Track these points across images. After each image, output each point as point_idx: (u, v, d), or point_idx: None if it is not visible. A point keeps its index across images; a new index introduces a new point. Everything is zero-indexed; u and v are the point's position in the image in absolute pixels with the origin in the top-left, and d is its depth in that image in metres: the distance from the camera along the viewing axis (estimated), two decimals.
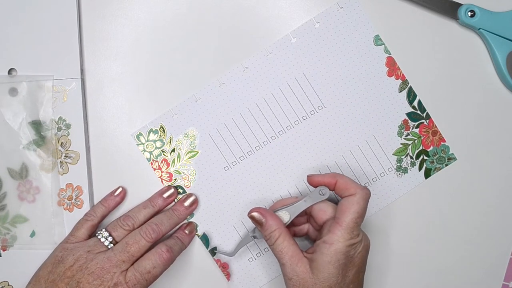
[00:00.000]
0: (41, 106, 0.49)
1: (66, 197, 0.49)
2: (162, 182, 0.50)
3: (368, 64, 0.50)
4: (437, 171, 0.50)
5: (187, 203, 0.49)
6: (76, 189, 0.49)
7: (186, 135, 0.50)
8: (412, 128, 0.50)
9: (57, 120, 0.49)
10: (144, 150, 0.50)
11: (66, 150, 0.49)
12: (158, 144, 0.50)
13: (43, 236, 0.49)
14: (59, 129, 0.49)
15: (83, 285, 0.44)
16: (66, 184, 0.49)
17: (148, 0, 0.50)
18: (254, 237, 0.46)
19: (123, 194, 0.49)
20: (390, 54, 0.50)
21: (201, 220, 0.50)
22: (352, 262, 0.42)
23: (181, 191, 0.50)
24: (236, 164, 0.50)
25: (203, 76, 0.50)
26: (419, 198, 0.50)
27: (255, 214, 0.45)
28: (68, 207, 0.49)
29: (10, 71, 0.49)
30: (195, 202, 0.49)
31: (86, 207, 0.49)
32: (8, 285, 0.50)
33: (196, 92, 0.50)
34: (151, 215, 0.48)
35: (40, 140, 0.49)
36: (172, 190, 0.49)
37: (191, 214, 0.50)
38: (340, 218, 0.43)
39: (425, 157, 0.50)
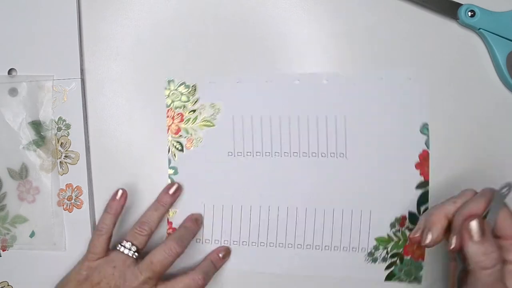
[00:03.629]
0: (41, 106, 0.49)
1: (66, 197, 0.49)
2: (168, 131, 0.50)
3: (403, 145, 0.49)
4: (398, 281, 0.49)
5: (171, 191, 0.49)
6: (76, 189, 0.49)
7: (212, 105, 0.49)
8: (405, 229, 0.49)
9: (57, 120, 0.49)
10: (168, 96, 0.49)
11: (66, 150, 0.49)
12: (184, 98, 0.49)
13: (43, 237, 0.49)
14: (59, 129, 0.49)
15: None
16: (66, 184, 0.49)
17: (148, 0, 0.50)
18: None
19: (125, 195, 0.48)
20: (429, 148, 0.49)
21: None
22: None
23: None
24: (240, 156, 0.49)
25: (203, 76, 0.50)
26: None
27: (475, 224, 0.36)
28: (68, 207, 0.49)
29: (10, 71, 0.49)
30: (179, 189, 0.49)
31: (85, 208, 0.49)
32: (8, 285, 0.50)
33: (241, 75, 0.49)
34: (163, 215, 0.48)
35: (40, 140, 0.49)
36: (176, 185, 0.49)
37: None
38: None
39: (398, 262, 0.49)
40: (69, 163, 0.49)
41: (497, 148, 0.50)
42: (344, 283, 0.50)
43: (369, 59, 0.50)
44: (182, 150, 0.50)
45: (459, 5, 0.49)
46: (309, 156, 0.49)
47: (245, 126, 0.49)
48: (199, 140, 0.50)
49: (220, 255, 0.49)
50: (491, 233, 0.36)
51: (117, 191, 0.48)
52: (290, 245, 0.50)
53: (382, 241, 0.49)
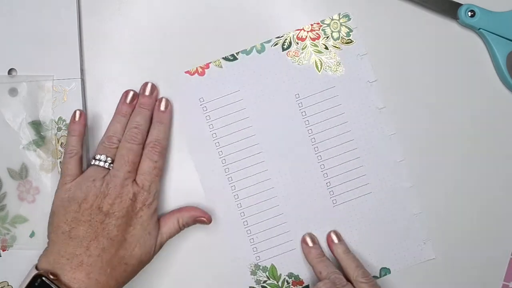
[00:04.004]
0: (41, 106, 0.49)
1: None
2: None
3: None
4: None
5: (147, 92, 0.49)
6: None
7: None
8: None
9: (57, 120, 0.49)
10: None
11: None
12: None
13: (43, 237, 0.49)
14: (59, 129, 0.49)
15: (105, 208, 0.44)
16: None
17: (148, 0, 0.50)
18: None
19: (84, 115, 0.48)
20: None
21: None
22: None
23: None
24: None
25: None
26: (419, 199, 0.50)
27: None
28: None
29: (10, 71, 0.49)
30: (154, 88, 0.49)
31: None
32: (8, 285, 0.50)
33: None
34: (126, 124, 0.48)
35: (40, 140, 0.49)
36: (132, 93, 0.49)
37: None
38: None
39: None
40: None
41: (497, 148, 0.50)
42: None
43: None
44: None
45: (459, 5, 0.49)
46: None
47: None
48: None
49: (162, 108, 0.49)
50: None
51: (74, 113, 0.48)
52: None
53: None
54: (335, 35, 0.50)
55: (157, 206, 0.47)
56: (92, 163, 0.47)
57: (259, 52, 0.50)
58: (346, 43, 0.50)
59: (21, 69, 0.49)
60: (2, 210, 0.49)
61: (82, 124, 0.47)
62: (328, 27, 0.50)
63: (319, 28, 0.50)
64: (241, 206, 0.50)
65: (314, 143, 0.50)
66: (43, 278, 0.42)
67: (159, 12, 0.50)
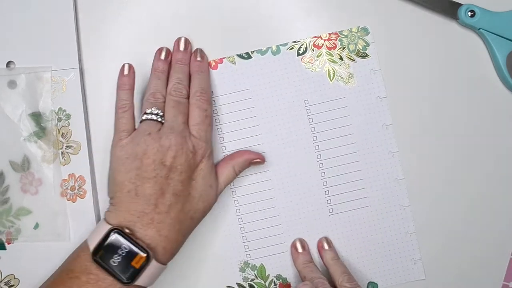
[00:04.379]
0: (40, 98, 0.49)
1: (69, 188, 0.49)
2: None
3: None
4: None
5: (182, 47, 0.49)
6: (78, 179, 0.49)
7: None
8: None
9: (57, 110, 0.49)
10: None
11: (67, 141, 0.49)
12: None
13: (47, 228, 0.49)
14: (59, 119, 0.49)
15: (168, 162, 0.43)
16: (69, 175, 0.49)
17: None
18: None
19: (133, 69, 0.48)
20: None
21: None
22: None
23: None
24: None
25: None
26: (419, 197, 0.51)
27: None
28: (71, 197, 0.49)
29: (8, 64, 0.49)
30: (188, 42, 0.49)
31: (89, 197, 0.49)
32: (15, 278, 0.50)
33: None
34: (167, 80, 0.48)
35: (41, 131, 0.49)
36: (165, 49, 0.48)
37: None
38: None
39: None
40: (71, 153, 0.49)
41: (497, 148, 0.50)
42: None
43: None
44: None
45: (459, 5, 0.49)
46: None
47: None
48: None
49: (198, 59, 0.49)
50: None
51: (123, 67, 0.48)
52: None
53: None
54: (352, 47, 0.50)
55: (213, 155, 0.47)
56: (143, 118, 0.45)
57: (274, 53, 0.50)
58: (361, 56, 0.50)
59: (19, 61, 0.49)
60: (5, 203, 0.49)
61: (131, 77, 0.47)
62: (345, 38, 0.50)
63: (337, 38, 0.50)
64: (238, 203, 0.50)
65: (318, 150, 0.50)
66: (119, 232, 0.42)
67: (159, 10, 0.50)
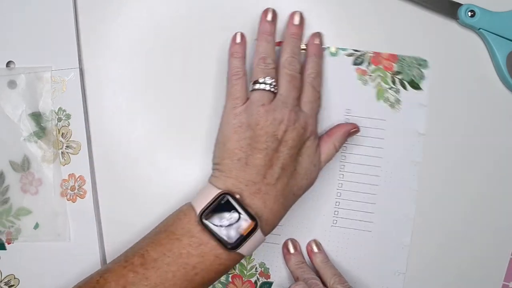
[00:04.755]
0: (40, 98, 0.49)
1: (69, 188, 0.49)
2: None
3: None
4: None
5: (296, 21, 0.48)
6: (78, 179, 0.49)
7: None
8: None
9: (57, 110, 0.49)
10: None
11: (67, 141, 0.49)
12: None
13: (47, 228, 0.49)
14: (59, 119, 0.49)
15: (280, 135, 0.43)
16: (69, 175, 0.49)
17: None
18: None
19: (245, 38, 0.47)
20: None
21: None
22: None
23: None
24: None
25: (204, 74, 0.50)
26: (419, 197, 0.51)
27: None
28: (71, 197, 0.49)
29: (8, 63, 0.49)
30: (303, 18, 0.48)
31: (89, 197, 0.49)
32: (15, 278, 0.50)
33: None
34: (275, 43, 0.47)
35: (41, 131, 0.49)
36: (272, 11, 0.48)
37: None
38: None
39: None
40: (71, 153, 0.49)
41: (497, 148, 0.50)
42: None
43: None
44: None
45: (459, 5, 0.49)
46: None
47: None
48: None
49: (316, 41, 0.48)
50: None
51: (235, 35, 0.47)
52: None
53: None
54: (408, 74, 0.50)
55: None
56: (256, 87, 0.45)
57: (332, 54, 0.50)
58: (414, 87, 0.50)
59: (19, 61, 0.49)
60: (5, 203, 0.49)
61: (243, 45, 0.47)
62: (404, 64, 0.50)
63: (395, 61, 0.50)
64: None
65: (343, 160, 0.50)
66: (229, 197, 0.42)
67: (159, 10, 0.50)
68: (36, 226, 0.50)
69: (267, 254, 0.50)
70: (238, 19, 0.50)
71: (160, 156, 0.50)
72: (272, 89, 0.45)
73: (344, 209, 0.50)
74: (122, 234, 0.49)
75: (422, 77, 0.50)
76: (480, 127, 0.50)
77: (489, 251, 0.50)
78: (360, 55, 0.50)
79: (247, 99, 0.45)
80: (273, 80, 0.45)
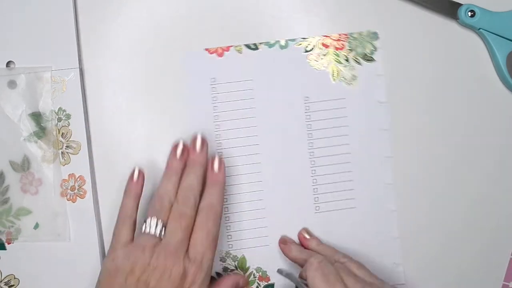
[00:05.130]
0: (40, 98, 0.49)
1: (69, 188, 0.49)
2: None
3: None
4: None
5: (198, 148, 0.46)
6: (78, 179, 0.49)
7: None
8: None
9: (57, 110, 0.49)
10: None
11: (67, 141, 0.49)
12: None
13: (47, 228, 0.49)
14: (59, 119, 0.49)
15: (152, 284, 0.41)
16: (69, 175, 0.49)
17: None
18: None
19: (143, 175, 0.46)
20: None
21: None
22: None
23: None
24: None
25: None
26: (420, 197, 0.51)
27: None
28: (71, 197, 0.49)
29: (8, 63, 0.49)
30: (204, 141, 0.46)
31: (89, 197, 0.49)
32: (15, 278, 0.50)
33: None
34: (179, 182, 0.45)
35: (41, 131, 0.49)
36: (181, 146, 0.46)
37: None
38: None
39: None
40: (71, 153, 0.49)
41: (497, 148, 0.50)
42: None
43: None
44: None
45: (459, 5, 0.49)
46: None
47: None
48: None
49: (215, 167, 0.46)
50: None
51: (133, 172, 0.46)
52: None
53: None
54: (359, 50, 0.50)
55: (208, 281, 0.43)
56: (143, 229, 0.43)
57: (281, 47, 0.50)
58: (367, 60, 0.50)
59: (19, 61, 0.49)
60: (5, 203, 0.49)
61: (140, 185, 0.46)
62: (354, 41, 0.50)
63: (346, 40, 0.50)
64: (226, 192, 0.50)
65: (311, 148, 0.50)
66: None
67: (159, 10, 0.50)
68: (36, 226, 0.49)
69: (260, 258, 0.50)
70: (238, 19, 0.50)
71: (160, 156, 0.50)
72: (158, 232, 0.43)
73: (323, 194, 0.50)
74: None
75: (375, 49, 0.50)
76: (480, 127, 0.50)
77: (489, 251, 0.50)
78: (310, 42, 0.50)
79: (132, 241, 0.44)
80: (162, 223, 0.43)
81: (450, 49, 0.50)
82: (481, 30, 0.49)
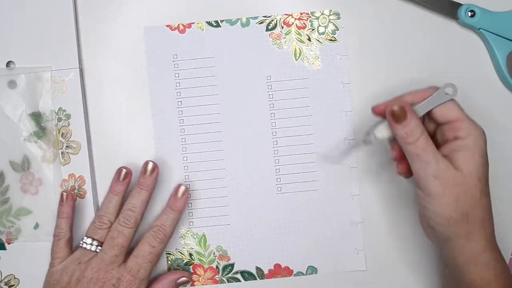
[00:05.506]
0: (40, 98, 0.49)
1: (69, 188, 0.49)
2: None
3: None
4: None
5: (148, 172, 0.48)
6: (78, 179, 0.49)
7: None
8: None
9: (57, 110, 0.49)
10: None
11: (67, 141, 0.49)
12: None
13: (47, 228, 0.49)
14: (59, 119, 0.49)
15: None
16: (69, 175, 0.49)
17: None
18: (367, 141, 0.43)
19: (71, 196, 0.48)
20: None
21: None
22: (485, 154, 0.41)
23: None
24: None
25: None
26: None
27: (396, 108, 0.41)
28: None
29: (8, 63, 0.49)
30: (156, 168, 0.48)
31: (89, 197, 0.49)
32: (15, 278, 0.50)
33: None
34: (120, 203, 0.47)
35: (41, 131, 0.49)
36: (124, 171, 0.48)
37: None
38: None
39: None
40: (71, 153, 0.49)
41: (497, 148, 0.50)
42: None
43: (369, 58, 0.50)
44: None
45: (459, 5, 0.49)
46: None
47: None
48: None
49: (179, 195, 0.48)
50: (414, 116, 0.41)
51: (62, 195, 0.48)
52: None
53: None
54: (321, 29, 0.50)
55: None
56: (80, 243, 0.47)
57: (243, 25, 0.50)
58: (330, 40, 0.50)
59: (19, 61, 0.49)
60: (5, 203, 0.49)
61: (70, 205, 0.48)
62: (316, 20, 0.50)
63: (307, 19, 0.50)
64: (187, 169, 0.50)
65: (274, 127, 0.50)
66: None
67: (159, 10, 0.50)
68: (36, 226, 0.50)
69: (221, 237, 0.50)
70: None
71: (160, 155, 0.50)
72: (93, 249, 0.46)
73: (285, 174, 0.50)
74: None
75: (337, 28, 0.50)
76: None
77: None
78: (271, 20, 0.50)
79: (69, 255, 0.47)
80: (99, 239, 0.46)
81: (450, 49, 0.50)
82: (481, 30, 0.49)
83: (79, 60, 0.49)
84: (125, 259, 0.46)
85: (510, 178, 0.51)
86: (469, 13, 0.49)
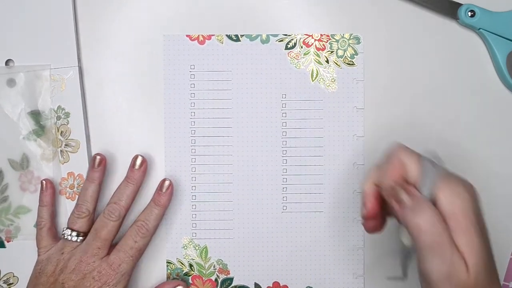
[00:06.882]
0: (39, 96, 0.49)
1: (68, 186, 0.49)
2: None
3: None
4: None
5: (137, 166, 0.48)
6: (77, 177, 0.49)
7: None
8: None
9: (56, 109, 0.49)
10: None
11: (66, 139, 0.49)
12: None
13: None
14: (59, 118, 0.49)
15: (68, 284, 0.44)
16: (68, 173, 0.49)
17: None
18: (408, 253, 0.39)
19: (50, 184, 0.48)
20: None
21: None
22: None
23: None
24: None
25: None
26: None
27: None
28: (70, 196, 0.50)
29: (7, 62, 0.49)
30: (144, 162, 0.48)
31: None
32: (14, 276, 0.50)
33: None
34: (97, 191, 0.48)
35: (40, 130, 0.49)
36: (98, 158, 0.48)
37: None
38: None
39: None
40: (70, 152, 0.49)
41: (497, 148, 0.50)
42: None
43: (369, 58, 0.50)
44: None
45: (459, 5, 0.49)
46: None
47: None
48: None
49: (163, 190, 0.48)
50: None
51: (42, 183, 0.48)
52: None
53: None
54: (340, 52, 0.50)
55: (124, 284, 0.46)
56: (62, 233, 0.47)
57: (262, 42, 0.50)
58: (348, 63, 0.50)
59: (18, 59, 0.49)
60: (4, 201, 0.50)
61: (50, 194, 0.48)
62: (336, 43, 0.50)
63: (327, 41, 0.50)
64: (195, 180, 0.50)
65: (284, 146, 0.50)
66: None
67: (159, 9, 0.50)
68: (36, 224, 0.50)
69: (223, 250, 0.50)
70: (238, 19, 0.50)
71: (159, 155, 0.50)
72: (74, 239, 0.46)
73: (292, 194, 0.50)
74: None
75: (355, 53, 0.50)
76: (480, 127, 0.50)
77: None
78: (291, 39, 0.50)
79: (54, 243, 0.47)
80: (80, 228, 0.46)
81: (450, 49, 0.50)
82: (481, 30, 0.49)
83: (78, 58, 0.49)
84: (109, 252, 0.46)
85: (509, 178, 0.50)
86: (469, 13, 0.49)
